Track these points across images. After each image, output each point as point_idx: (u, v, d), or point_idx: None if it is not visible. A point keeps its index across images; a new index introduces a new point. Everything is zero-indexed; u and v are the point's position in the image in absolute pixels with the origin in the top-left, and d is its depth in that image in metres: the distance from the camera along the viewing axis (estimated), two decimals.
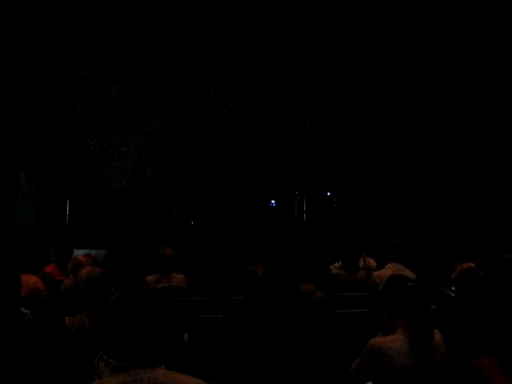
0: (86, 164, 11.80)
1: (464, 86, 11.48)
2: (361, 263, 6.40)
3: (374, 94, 12.57)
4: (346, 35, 11.96)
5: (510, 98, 10.92)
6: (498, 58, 10.85)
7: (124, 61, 12.17)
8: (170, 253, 6.14)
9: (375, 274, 5.98)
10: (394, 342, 3.39)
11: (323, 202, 12.03)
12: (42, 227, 10.00)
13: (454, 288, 4.89)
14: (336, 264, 6.53)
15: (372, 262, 6.59)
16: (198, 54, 12.15)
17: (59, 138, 11.61)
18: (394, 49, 12.04)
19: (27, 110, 11.05)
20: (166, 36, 11.71)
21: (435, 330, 3.51)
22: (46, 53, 11.45)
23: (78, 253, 6.29)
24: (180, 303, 5.53)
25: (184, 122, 12.48)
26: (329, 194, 12.04)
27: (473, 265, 4.87)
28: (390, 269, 5.83)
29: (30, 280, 5.47)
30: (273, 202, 12.00)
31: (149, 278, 6.11)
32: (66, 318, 3.71)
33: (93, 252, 8.98)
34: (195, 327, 4.85)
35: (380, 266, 6.32)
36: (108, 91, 12.21)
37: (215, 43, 11.98)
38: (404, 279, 3.91)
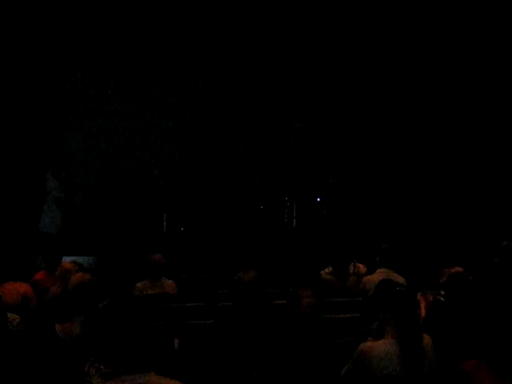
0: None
1: (457, 93, 11.55)
2: (351, 269, 6.42)
3: (364, 99, 12.61)
4: (339, 40, 11.98)
5: (506, 100, 11.00)
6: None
7: (119, 63, 12.16)
8: (160, 259, 6.14)
9: (365, 279, 6.01)
10: (384, 346, 3.40)
11: (313, 207, 12.04)
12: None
13: (443, 292, 4.92)
14: (326, 269, 6.55)
15: (362, 268, 6.61)
16: (190, 58, 12.13)
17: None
18: (387, 56, 12.08)
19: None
20: (161, 39, 11.68)
21: (424, 335, 3.53)
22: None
23: (68, 260, 6.27)
24: (170, 309, 5.53)
25: (174, 128, 12.47)
26: (318, 199, 12.06)
27: (461, 269, 4.91)
28: (380, 274, 5.85)
29: (20, 287, 5.46)
30: (263, 207, 12.00)
31: (139, 284, 6.11)
32: (57, 325, 3.70)
33: (83, 259, 8.99)
34: (185, 333, 4.86)
35: (370, 272, 6.34)
36: (100, 94, 12.20)
37: (208, 47, 11.96)
38: (394, 284, 3.92)
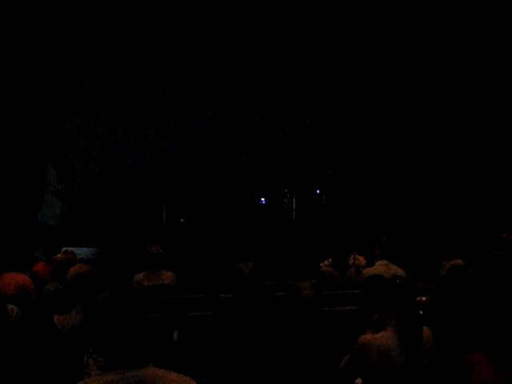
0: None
1: (453, 85, 11.53)
2: (350, 261, 6.40)
3: (362, 92, 12.59)
4: (338, 33, 11.94)
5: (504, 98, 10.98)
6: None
7: (118, 56, 12.14)
8: (159, 250, 6.12)
9: (365, 271, 6.00)
10: (384, 339, 3.39)
11: (313, 199, 12.04)
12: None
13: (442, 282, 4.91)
14: (326, 261, 6.54)
15: (362, 260, 6.59)
16: (189, 50, 12.09)
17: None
18: (383, 47, 12.05)
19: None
20: (158, 32, 11.62)
21: (424, 327, 3.52)
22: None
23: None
24: (169, 301, 5.52)
25: (174, 120, 12.46)
26: (318, 191, 12.05)
27: (460, 262, 4.91)
28: (380, 266, 5.85)
29: (19, 278, 5.45)
30: (262, 199, 11.99)
31: (138, 275, 6.10)
32: (55, 316, 3.69)
33: (82, 250, 9.00)
34: (185, 325, 4.85)
35: (370, 264, 6.33)
36: (98, 85, 12.18)
37: (207, 40, 11.92)
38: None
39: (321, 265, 6.52)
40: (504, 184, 10.86)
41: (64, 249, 6.25)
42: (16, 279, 5.41)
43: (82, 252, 8.96)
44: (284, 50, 12.28)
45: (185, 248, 9.48)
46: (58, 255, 5.57)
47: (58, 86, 11.90)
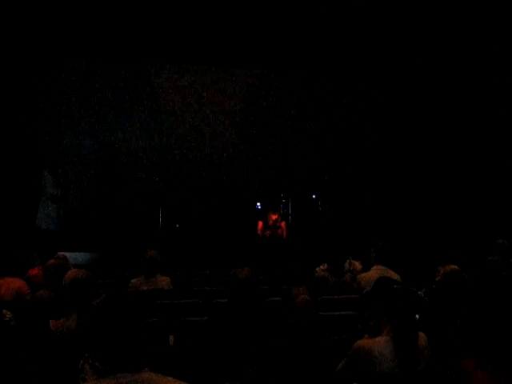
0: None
1: (453, 90, 11.56)
2: (346, 266, 6.41)
3: (359, 98, 12.61)
4: (335, 40, 11.94)
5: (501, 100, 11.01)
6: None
7: (114, 61, 12.15)
8: (155, 255, 6.13)
9: (361, 276, 6.00)
10: (379, 344, 3.39)
11: (308, 204, 12.04)
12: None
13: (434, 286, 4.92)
14: (321, 266, 6.54)
15: (357, 265, 6.60)
16: (188, 54, 12.09)
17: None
18: (381, 53, 12.07)
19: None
20: (156, 34, 11.59)
21: (420, 333, 3.52)
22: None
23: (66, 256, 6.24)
24: (165, 306, 5.52)
25: (170, 125, 12.46)
26: (314, 196, 12.05)
27: (456, 267, 4.90)
28: (376, 271, 5.86)
29: (15, 283, 5.45)
30: (258, 204, 11.98)
31: (134, 280, 6.10)
32: (51, 320, 3.68)
33: (78, 255, 8.97)
34: (180, 330, 4.85)
35: (365, 269, 6.34)
36: (93, 90, 12.18)
37: (205, 43, 11.91)
38: (391, 282, 3.92)
39: (316, 270, 6.52)
40: (499, 188, 10.89)
41: (58, 253, 6.23)
42: (11, 284, 5.41)
43: (78, 257, 8.94)
44: (278, 57, 12.28)
45: (180, 253, 9.48)
46: (50, 261, 5.56)
47: (54, 91, 11.90)
